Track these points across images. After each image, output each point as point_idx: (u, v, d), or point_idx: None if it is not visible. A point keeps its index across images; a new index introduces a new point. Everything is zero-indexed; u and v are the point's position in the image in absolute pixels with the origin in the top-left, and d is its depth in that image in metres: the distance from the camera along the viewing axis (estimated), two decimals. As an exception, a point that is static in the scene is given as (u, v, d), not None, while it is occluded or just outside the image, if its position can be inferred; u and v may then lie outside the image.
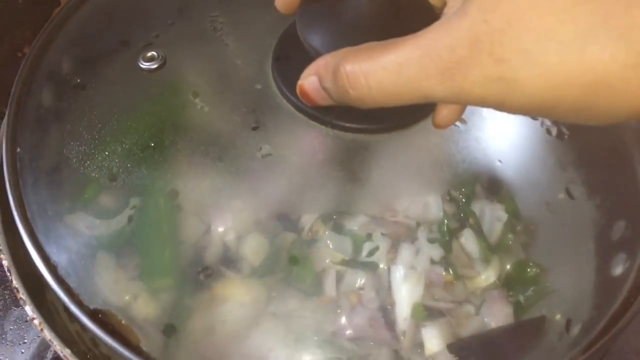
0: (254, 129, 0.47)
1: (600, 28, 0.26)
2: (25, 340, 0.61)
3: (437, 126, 0.40)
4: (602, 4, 0.26)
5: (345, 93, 0.32)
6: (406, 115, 0.43)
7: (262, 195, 0.47)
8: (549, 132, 0.50)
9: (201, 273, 0.45)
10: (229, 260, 0.46)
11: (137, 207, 0.46)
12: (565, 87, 0.27)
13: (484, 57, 0.27)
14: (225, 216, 0.47)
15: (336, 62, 0.32)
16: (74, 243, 0.44)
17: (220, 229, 0.47)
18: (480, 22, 0.27)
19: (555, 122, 0.50)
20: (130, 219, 0.45)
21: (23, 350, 0.60)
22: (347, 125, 0.43)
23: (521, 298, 0.47)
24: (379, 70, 0.30)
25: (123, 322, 0.41)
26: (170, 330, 0.43)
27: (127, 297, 0.44)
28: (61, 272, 0.42)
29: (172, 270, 0.46)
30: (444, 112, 0.40)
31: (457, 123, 0.48)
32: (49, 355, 0.59)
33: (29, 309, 0.43)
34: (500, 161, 0.49)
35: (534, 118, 0.50)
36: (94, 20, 0.53)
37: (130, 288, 0.45)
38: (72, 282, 0.42)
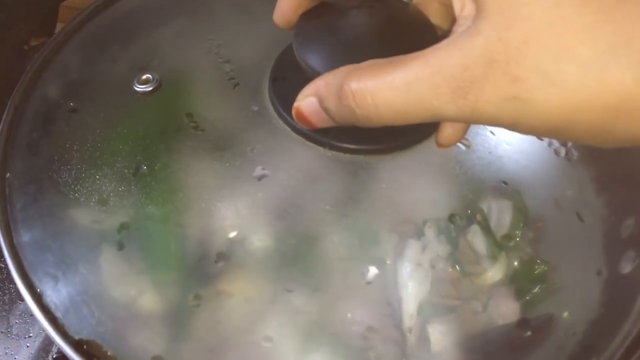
0: (250, 150, 0.46)
1: (622, 49, 0.25)
2: (31, 334, 0.61)
3: (440, 145, 0.40)
4: (623, 25, 0.25)
5: (351, 113, 0.31)
6: (407, 135, 0.43)
7: (257, 219, 0.46)
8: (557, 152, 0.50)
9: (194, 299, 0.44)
10: (234, 256, 0.45)
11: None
12: (583, 110, 0.26)
13: (498, 76, 0.27)
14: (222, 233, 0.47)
15: (339, 81, 0.31)
16: (62, 272, 0.44)
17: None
18: (494, 40, 0.27)
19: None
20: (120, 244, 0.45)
21: (28, 344, 0.60)
22: (346, 146, 0.43)
23: (528, 295, 0.46)
24: (386, 89, 0.29)
25: (109, 353, 0.41)
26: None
27: (132, 292, 0.44)
28: (46, 300, 0.42)
29: (178, 265, 0.45)
30: (447, 131, 0.39)
31: (460, 144, 0.48)
32: (54, 349, 0.59)
33: (35, 303, 0.43)
34: (505, 183, 0.49)
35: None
36: (89, 45, 0.54)
37: (140, 284, 0.45)
38: (58, 312, 0.42)
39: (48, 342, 0.60)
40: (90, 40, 0.54)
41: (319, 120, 0.34)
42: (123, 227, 0.45)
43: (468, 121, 0.31)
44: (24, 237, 0.44)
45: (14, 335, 0.61)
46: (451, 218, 0.47)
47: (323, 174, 0.46)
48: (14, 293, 0.61)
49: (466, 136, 0.46)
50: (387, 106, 0.30)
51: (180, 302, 0.44)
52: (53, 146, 0.48)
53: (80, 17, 0.52)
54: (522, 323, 0.45)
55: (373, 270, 0.46)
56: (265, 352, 0.43)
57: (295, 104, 0.35)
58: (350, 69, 0.31)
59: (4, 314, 0.62)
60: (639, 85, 0.25)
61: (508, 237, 0.48)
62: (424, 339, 0.45)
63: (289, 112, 0.43)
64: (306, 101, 0.34)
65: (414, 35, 0.39)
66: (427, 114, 0.29)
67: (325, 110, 0.33)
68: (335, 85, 0.31)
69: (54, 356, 0.58)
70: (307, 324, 0.44)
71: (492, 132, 0.48)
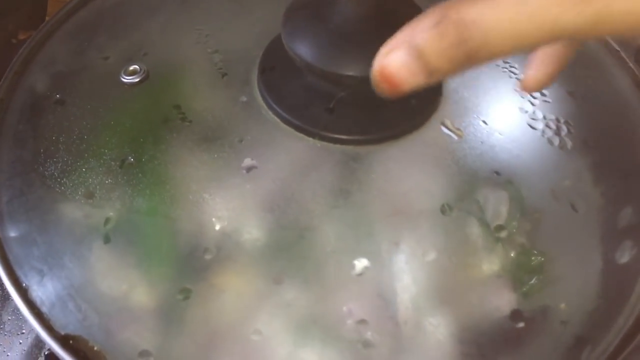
0: (239, 142, 0.46)
1: None
2: (24, 331, 0.60)
3: (525, 89, 0.38)
4: None
5: (455, 50, 0.26)
6: (397, 125, 0.43)
7: (246, 211, 0.46)
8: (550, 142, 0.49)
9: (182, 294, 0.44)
10: (223, 249, 0.44)
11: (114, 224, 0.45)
12: None
13: None
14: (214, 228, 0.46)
15: (436, 18, 0.27)
16: (48, 266, 0.44)
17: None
18: None
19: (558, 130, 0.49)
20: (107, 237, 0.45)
21: (21, 341, 0.60)
22: (336, 136, 0.43)
23: (525, 287, 0.46)
24: (493, 11, 0.25)
25: (95, 348, 0.41)
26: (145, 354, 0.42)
27: (119, 286, 0.44)
28: (32, 295, 0.42)
29: (166, 258, 0.45)
30: (534, 72, 0.37)
31: (452, 134, 0.47)
32: (47, 345, 0.59)
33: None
34: (497, 173, 0.48)
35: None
36: (75, 36, 0.53)
37: (127, 277, 0.44)
38: (43, 307, 0.42)
39: (41, 339, 0.59)
40: (76, 32, 0.53)
41: (411, 75, 0.28)
42: (110, 220, 0.44)
43: (593, 31, 0.26)
44: (10, 231, 0.44)
45: (7, 332, 0.61)
46: (445, 209, 0.47)
47: (313, 165, 0.46)
48: (7, 289, 0.61)
49: (458, 126, 0.46)
50: (498, 30, 0.26)
51: (168, 296, 0.44)
52: (39, 139, 0.48)
53: (67, 9, 0.52)
54: (517, 315, 0.44)
55: (366, 263, 0.45)
56: (255, 346, 0.43)
57: (377, 65, 0.29)
58: (445, 4, 0.27)
59: (-4, 310, 0.61)
60: None
61: (504, 228, 0.48)
62: (419, 331, 0.44)
63: (278, 102, 0.43)
64: (392, 56, 0.28)
65: (405, 21, 0.38)
66: (544, 30, 0.25)
67: (421, 56, 0.27)
68: (430, 24, 0.27)
69: (46, 352, 0.58)
70: (298, 318, 0.44)
71: (484, 122, 0.48)
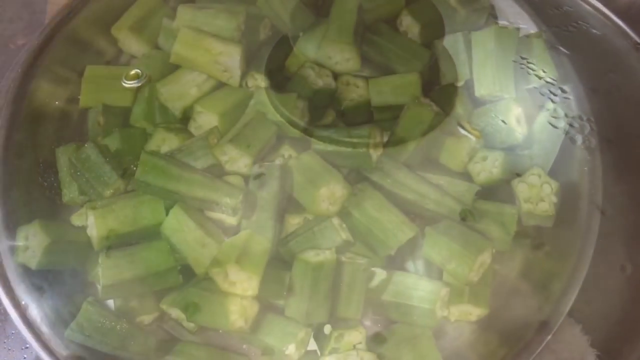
0: (247, 146, 0.45)
1: None
2: (28, 346, 0.59)
3: None
4: None
5: None
6: (412, 127, 0.43)
7: (256, 219, 0.45)
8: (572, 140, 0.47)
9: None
10: (232, 259, 0.42)
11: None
12: None
13: None
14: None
15: None
16: (48, 283, 0.43)
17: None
18: None
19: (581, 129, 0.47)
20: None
21: (25, 356, 0.59)
22: (347, 140, 0.42)
23: (546, 292, 0.44)
24: None
25: None
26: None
27: (123, 301, 0.43)
28: (31, 314, 0.41)
29: (172, 270, 0.43)
30: None
31: (469, 135, 0.46)
32: (52, 360, 0.58)
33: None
34: (518, 175, 0.46)
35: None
36: (75, 40, 0.53)
37: (132, 292, 0.43)
38: (43, 326, 0.41)
39: (45, 354, 0.59)
40: (76, 36, 0.52)
41: None
42: (112, 232, 0.43)
43: None
44: (8, 245, 0.43)
45: (10, 347, 0.59)
46: (464, 214, 0.45)
47: (323, 170, 0.45)
48: (8, 305, 0.60)
49: (475, 126, 0.45)
50: None
51: (176, 311, 0.43)
52: (39, 148, 0.47)
53: (66, 12, 0.51)
54: (542, 324, 0.43)
55: (382, 274, 0.44)
56: (267, 348, 0.42)
57: None
58: None
59: (-1, 324, 0.61)
60: None
61: (525, 232, 0.46)
62: (438, 341, 0.44)
63: (286, 105, 0.42)
64: None
65: (419, 24, 0.38)
66: None
67: None
68: None
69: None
70: (311, 328, 0.43)
71: (503, 122, 0.46)
